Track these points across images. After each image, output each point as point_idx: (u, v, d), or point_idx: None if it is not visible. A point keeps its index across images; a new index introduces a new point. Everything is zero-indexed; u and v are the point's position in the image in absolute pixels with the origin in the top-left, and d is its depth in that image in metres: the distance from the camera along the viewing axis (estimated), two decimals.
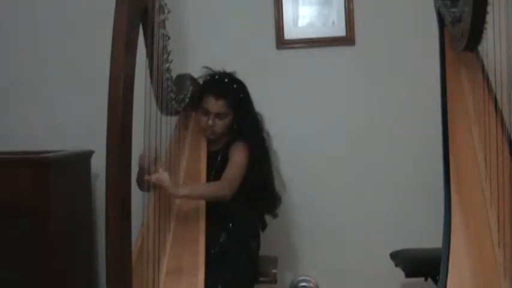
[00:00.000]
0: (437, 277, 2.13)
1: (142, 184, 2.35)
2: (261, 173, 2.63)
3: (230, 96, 2.62)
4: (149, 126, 2.00)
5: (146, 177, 2.27)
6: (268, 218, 2.79)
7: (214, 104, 2.61)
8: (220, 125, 2.63)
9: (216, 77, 2.69)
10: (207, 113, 2.62)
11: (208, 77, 2.70)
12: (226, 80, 2.67)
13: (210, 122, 2.61)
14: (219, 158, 2.65)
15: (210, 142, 2.69)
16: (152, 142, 2.09)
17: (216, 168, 2.61)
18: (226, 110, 2.62)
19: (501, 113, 2.15)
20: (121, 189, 1.75)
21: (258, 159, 2.62)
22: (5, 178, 2.69)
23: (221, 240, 2.51)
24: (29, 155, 2.92)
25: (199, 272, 2.20)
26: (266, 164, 2.68)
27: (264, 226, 2.76)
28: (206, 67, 2.72)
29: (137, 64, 1.79)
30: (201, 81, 2.71)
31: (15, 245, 2.68)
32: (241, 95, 2.67)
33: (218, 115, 2.61)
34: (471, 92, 2.29)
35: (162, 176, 2.27)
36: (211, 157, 2.64)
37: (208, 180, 2.56)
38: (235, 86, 2.66)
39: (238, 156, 2.58)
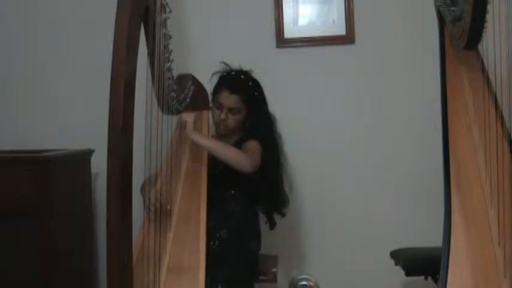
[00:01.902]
0: (437, 276, 2.14)
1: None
2: (270, 172, 2.64)
3: (244, 92, 2.66)
4: (150, 125, 2.00)
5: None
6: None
7: (228, 98, 2.64)
8: (232, 119, 2.66)
9: (233, 72, 2.72)
10: (220, 106, 2.66)
11: (225, 73, 2.73)
12: (242, 77, 2.70)
13: (222, 116, 2.64)
14: None
15: (218, 139, 2.68)
16: (153, 142, 2.09)
17: (220, 166, 2.56)
18: (239, 105, 2.65)
19: (501, 112, 2.15)
20: (122, 188, 1.75)
21: (269, 158, 2.62)
22: (5, 177, 2.69)
23: (220, 236, 2.50)
24: (28, 154, 2.92)
25: (200, 270, 2.19)
26: (276, 164, 2.69)
27: (272, 225, 2.77)
28: (224, 63, 2.74)
29: (138, 63, 1.79)
30: (217, 76, 2.73)
31: (15, 245, 2.68)
32: (256, 93, 2.70)
33: (231, 110, 2.65)
34: (471, 91, 2.28)
35: (187, 116, 2.47)
36: None
37: (211, 177, 2.53)
38: (250, 83, 2.70)
39: (253, 146, 2.58)
